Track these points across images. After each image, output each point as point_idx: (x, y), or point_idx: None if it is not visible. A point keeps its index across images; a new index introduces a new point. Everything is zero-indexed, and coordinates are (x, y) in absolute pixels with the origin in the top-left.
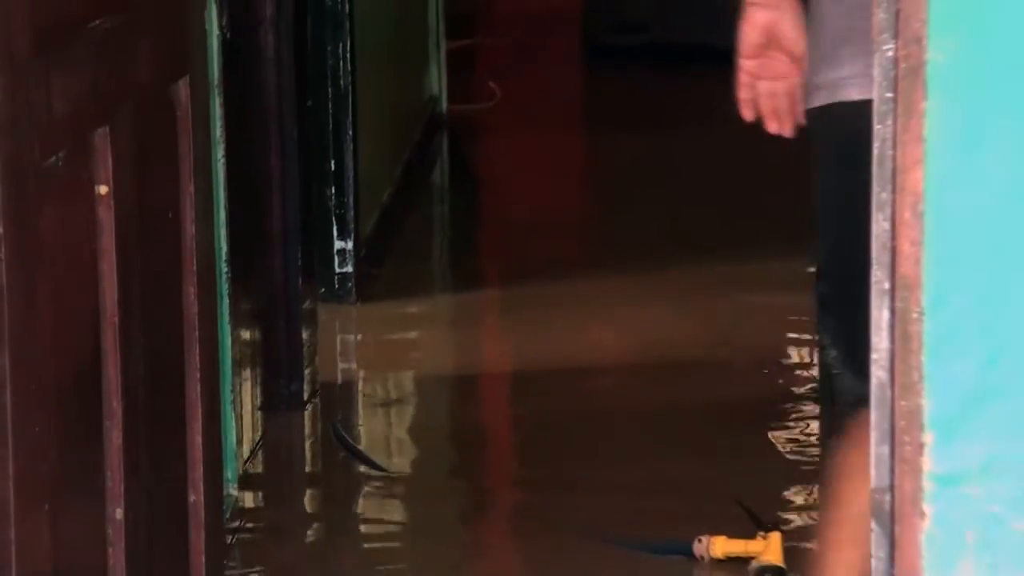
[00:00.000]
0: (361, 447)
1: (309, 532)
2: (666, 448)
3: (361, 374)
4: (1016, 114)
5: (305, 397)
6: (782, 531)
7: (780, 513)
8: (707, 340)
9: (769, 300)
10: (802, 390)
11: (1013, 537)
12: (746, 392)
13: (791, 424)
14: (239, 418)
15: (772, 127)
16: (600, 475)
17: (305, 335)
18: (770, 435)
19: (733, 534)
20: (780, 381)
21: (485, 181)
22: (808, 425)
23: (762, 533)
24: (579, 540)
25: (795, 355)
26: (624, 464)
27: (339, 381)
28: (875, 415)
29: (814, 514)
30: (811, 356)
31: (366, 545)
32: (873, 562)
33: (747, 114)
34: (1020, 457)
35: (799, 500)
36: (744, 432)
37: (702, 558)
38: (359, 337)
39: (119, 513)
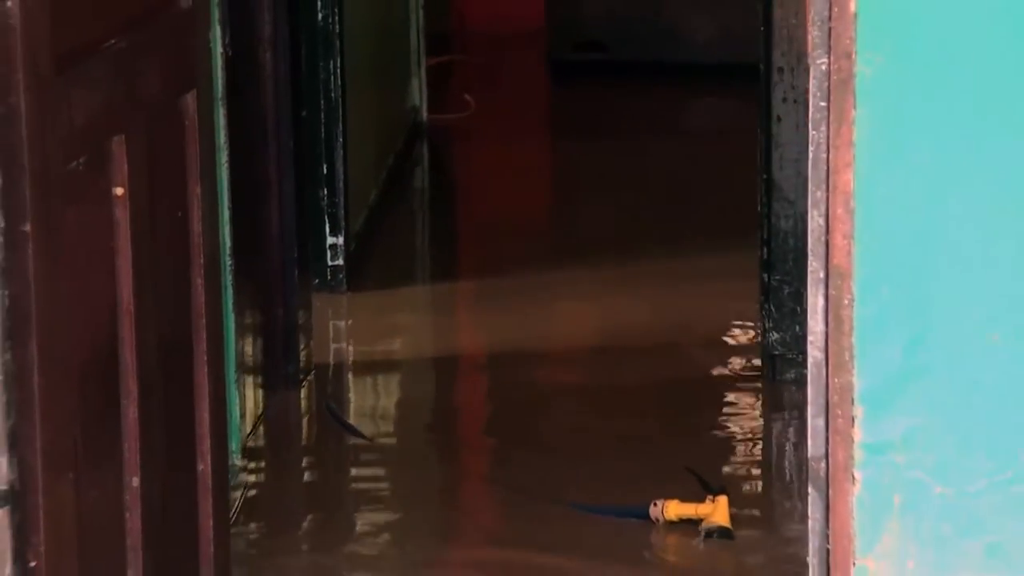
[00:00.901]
0: (350, 421)
1: (305, 496)
2: (624, 421)
3: (351, 356)
4: (936, 122)
5: (301, 376)
6: (728, 495)
7: (726, 479)
8: (660, 325)
9: (715, 289)
10: (746, 368)
11: (934, 500)
12: (695, 371)
13: (736, 399)
14: (242, 395)
15: None
16: (565, 446)
17: (300, 321)
18: (717, 409)
19: (685, 498)
20: (726, 361)
21: (461, 183)
22: (751, 400)
23: (710, 497)
24: (548, 505)
25: (739, 338)
26: (587, 436)
27: (331, 362)
28: (811, 391)
29: (757, 480)
30: (754, 338)
31: (355, 505)
32: (810, 522)
33: None
34: (940, 428)
35: (744, 467)
36: (694, 406)
37: (657, 520)
38: (349, 323)
39: (135, 481)
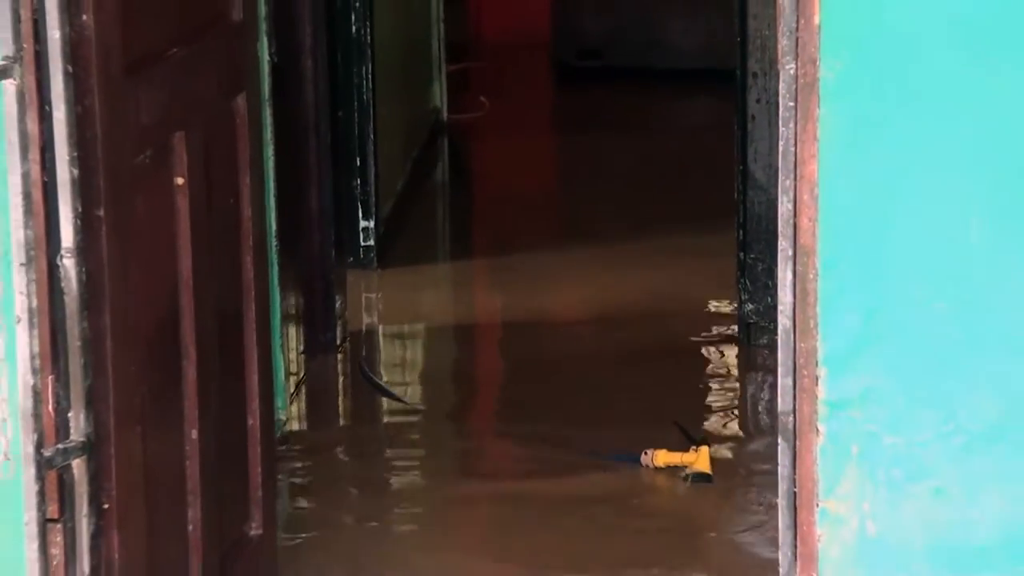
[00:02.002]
0: (382, 382)
1: (341, 447)
2: (618, 379)
3: (381, 325)
4: (890, 119)
5: (337, 343)
6: (709, 445)
7: (707, 431)
8: (650, 296)
9: (698, 265)
10: (725, 334)
11: (885, 449)
12: (681, 337)
13: (716, 362)
14: (286, 359)
15: None
16: (569, 401)
17: (337, 294)
18: (700, 370)
19: (671, 448)
20: (708, 328)
21: (477, 174)
22: (729, 362)
23: (694, 447)
24: (553, 451)
25: (719, 308)
26: (586, 392)
27: (364, 330)
28: (781, 354)
29: (735, 432)
30: (732, 309)
31: (387, 455)
32: (779, 469)
33: None
34: (891, 388)
35: (723, 421)
36: (680, 367)
37: (647, 466)
38: (379, 296)
39: (194, 434)
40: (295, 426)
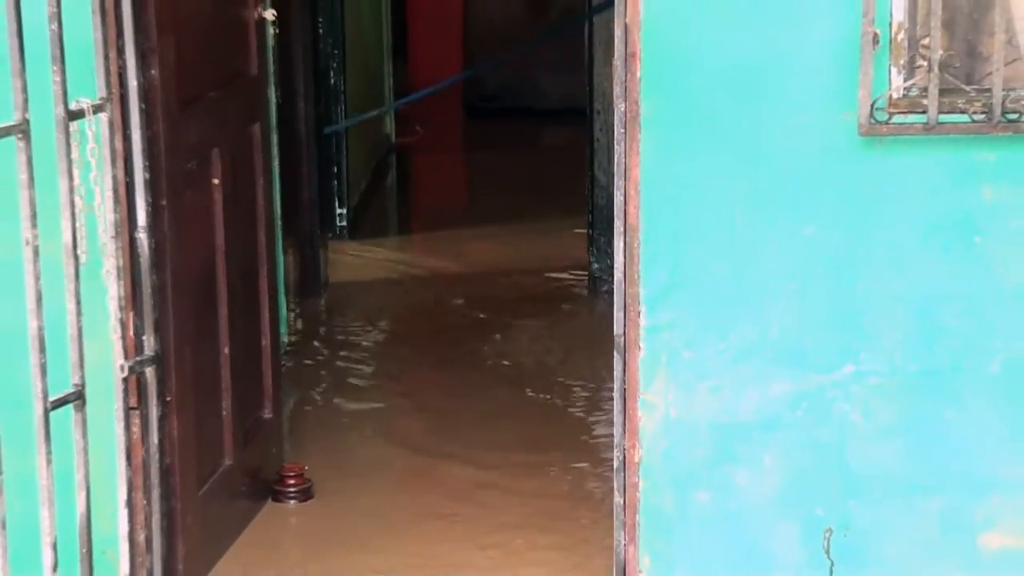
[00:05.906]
0: (355, 312)
1: (327, 355)
2: (508, 310)
3: (351, 276)
4: (685, 141)
5: (322, 288)
6: None
7: (567, 345)
8: (530, 259)
9: (562, 239)
10: (580, 283)
11: (683, 360)
12: (549, 285)
13: (573, 303)
14: (288, 300)
15: None
16: (471, 322)
17: (321, 257)
18: (561, 307)
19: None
20: (567, 281)
21: (415, 178)
22: (583, 303)
23: None
24: (451, 349)
25: (575, 267)
26: (487, 316)
27: (340, 280)
28: (616, 297)
29: (584, 347)
30: (584, 266)
31: (358, 362)
32: (614, 372)
33: None
34: (687, 318)
35: (575, 341)
36: (548, 304)
37: None
38: (350, 257)
39: (226, 350)
40: (294, 345)
